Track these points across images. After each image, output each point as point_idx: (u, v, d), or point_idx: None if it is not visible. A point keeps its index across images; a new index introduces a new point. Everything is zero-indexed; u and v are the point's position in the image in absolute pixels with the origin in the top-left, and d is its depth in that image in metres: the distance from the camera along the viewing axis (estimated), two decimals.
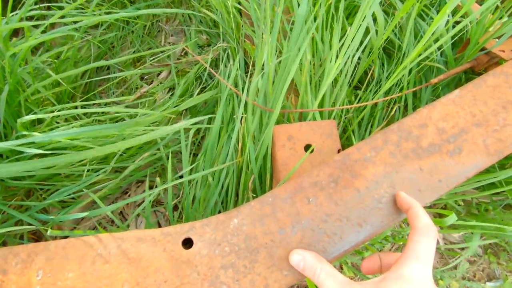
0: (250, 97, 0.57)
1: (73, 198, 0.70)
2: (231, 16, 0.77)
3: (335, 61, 0.51)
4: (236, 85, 0.75)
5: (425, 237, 0.33)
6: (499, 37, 0.59)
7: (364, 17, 0.49)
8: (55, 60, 0.69)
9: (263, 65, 0.57)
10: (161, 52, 1.01)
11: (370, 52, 0.68)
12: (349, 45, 0.51)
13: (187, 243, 0.41)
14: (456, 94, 0.50)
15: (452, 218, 0.43)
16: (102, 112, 0.75)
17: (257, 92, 0.59)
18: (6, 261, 0.38)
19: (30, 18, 0.63)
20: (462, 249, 0.84)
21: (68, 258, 0.39)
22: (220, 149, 0.68)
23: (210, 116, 0.69)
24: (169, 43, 1.03)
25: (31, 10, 0.56)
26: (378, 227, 0.41)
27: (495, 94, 0.50)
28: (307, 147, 0.53)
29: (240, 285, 0.38)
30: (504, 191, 0.76)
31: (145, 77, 0.99)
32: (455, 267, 0.81)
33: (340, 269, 0.80)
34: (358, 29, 0.51)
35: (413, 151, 0.46)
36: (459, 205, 0.82)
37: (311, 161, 0.53)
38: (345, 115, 0.67)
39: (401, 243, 0.79)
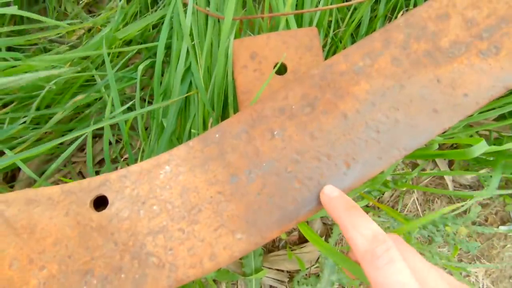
0: (201, 5, 0.41)
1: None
2: None
3: None
4: None
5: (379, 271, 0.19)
6: None
7: None
8: None
9: None
10: None
11: None
12: None
13: (100, 203, 0.29)
14: None
15: (481, 147, 0.30)
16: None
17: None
18: None
19: None
20: (474, 190, 0.73)
21: None
22: (173, 81, 0.53)
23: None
24: None
25: None
26: (374, 166, 0.29)
27: None
28: (277, 68, 0.39)
29: (174, 255, 0.27)
30: None
31: (93, 8, 0.81)
32: (465, 212, 0.71)
33: (333, 221, 0.71)
34: None
35: (427, 54, 0.31)
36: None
37: (287, 83, 0.38)
38: (334, 31, 0.51)
39: (404, 188, 0.68)
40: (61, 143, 0.62)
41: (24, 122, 0.47)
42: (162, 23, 0.63)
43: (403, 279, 0.19)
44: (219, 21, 0.43)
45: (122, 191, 0.29)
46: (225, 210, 0.28)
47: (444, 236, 0.66)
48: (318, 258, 0.68)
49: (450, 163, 0.72)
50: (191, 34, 0.43)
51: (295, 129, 0.29)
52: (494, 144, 0.66)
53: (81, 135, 0.44)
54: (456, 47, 0.31)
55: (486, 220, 0.72)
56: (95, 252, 0.27)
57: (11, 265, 0.27)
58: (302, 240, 0.71)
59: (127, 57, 0.57)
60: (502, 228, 0.70)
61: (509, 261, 0.69)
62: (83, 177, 0.71)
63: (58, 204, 0.28)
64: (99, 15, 0.79)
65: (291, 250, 0.67)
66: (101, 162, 0.72)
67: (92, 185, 0.29)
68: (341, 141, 0.29)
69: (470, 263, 0.69)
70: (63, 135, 0.62)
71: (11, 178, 0.68)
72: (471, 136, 0.68)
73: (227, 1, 0.38)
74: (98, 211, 0.28)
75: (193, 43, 0.44)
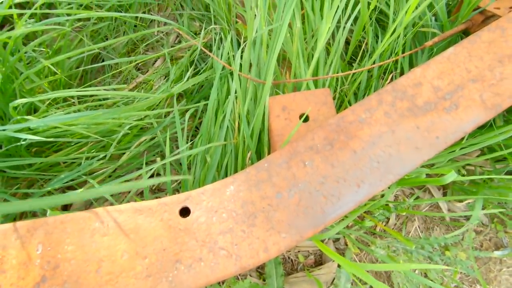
0: (243, 71, 0.57)
1: (73, 186, 0.70)
2: None
3: (326, 25, 0.50)
4: (230, 64, 0.75)
5: None
6: None
7: None
8: (48, 50, 0.70)
9: (255, 38, 0.56)
10: (156, 41, 1.01)
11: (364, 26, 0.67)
12: (337, 8, 0.50)
13: (185, 212, 0.41)
14: (450, 51, 0.49)
15: (451, 176, 0.42)
16: (98, 100, 0.75)
17: (250, 66, 0.59)
18: (5, 236, 0.38)
19: (20, 6, 0.63)
20: (468, 219, 0.83)
21: (67, 231, 0.39)
22: (218, 130, 0.67)
23: (206, 102, 0.69)
24: (162, 32, 1.03)
25: None
26: (377, 186, 0.41)
27: (491, 49, 0.48)
28: (302, 116, 0.53)
29: (238, 249, 0.38)
30: (506, 158, 0.75)
31: (140, 66, 0.99)
32: (461, 238, 0.80)
33: (345, 245, 0.80)
34: None
35: (408, 110, 0.45)
36: (463, 175, 0.81)
37: (307, 130, 0.52)
38: (340, 88, 0.66)
39: (404, 213, 0.78)
40: (109, 176, 0.75)
41: (104, 157, 0.60)
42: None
43: None
44: (258, 86, 0.59)
45: (201, 203, 0.41)
46: (274, 217, 0.40)
47: (445, 260, 0.75)
48: (333, 280, 0.76)
49: (444, 194, 0.83)
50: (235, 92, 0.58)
51: (321, 160, 0.42)
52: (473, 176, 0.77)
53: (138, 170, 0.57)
54: (428, 105, 0.45)
55: (482, 246, 0.80)
56: (182, 247, 0.39)
57: (122, 256, 0.38)
58: (318, 264, 0.79)
59: (177, 107, 0.72)
60: (497, 253, 0.78)
61: (506, 283, 0.76)
62: None
63: (155, 213, 0.40)
64: (146, 71, 0.97)
65: (309, 271, 0.76)
66: (142, 193, 0.84)
67: (180, 199, 0.41)
68: (353, 169, 0.42)
69: (470, 286, 0.76)
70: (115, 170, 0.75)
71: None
72: (458, 170, 0.81)
73: (266, 70, 0.54)
74: (184, 217, 0.40)
75: (236, 97, 0.59)
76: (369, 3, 0.60)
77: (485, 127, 0.67)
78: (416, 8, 0.54)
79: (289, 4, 0.52)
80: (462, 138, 0.66)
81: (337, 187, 0.41)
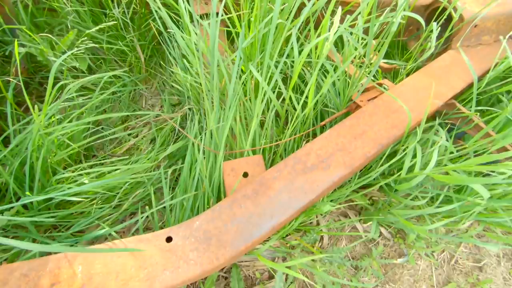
0: (207, 144, 0.88)
1: (81, 231, 0.94)
2: (193, 86, 1.09)
3: (255, 117, 0.83)
4: (200, 133, 1.06)
5: None
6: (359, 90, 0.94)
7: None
8: (69, 131, 0.98)
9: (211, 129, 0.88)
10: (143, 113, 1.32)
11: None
12: (262, 101, 0.83)
13: (169, 239, 0.68)
14: (328, 132, 0.82)
15: (327, 207, 0.73)
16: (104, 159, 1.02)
17: (211, 140, 0.90)
18: (59, 261, 0.63)
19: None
20: (380, 236, 1.13)
21: (96, 256, 0.65)
22: (191, 181, 0.96)
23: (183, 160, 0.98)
24: (149, 104, 1.34)
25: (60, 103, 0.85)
26: (283, 217, 0.70)
27: (351, 130, 0.82)
28: (244, 174, 0.83)
29: (201, 259, 0.65)
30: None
31: (131, 132, 1.28)
32: (372, 251, 1.09)
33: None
34: (263, 99, 0.84)
35: (302, 170, 0.76)
36: (371, 204, 1.13)
37: (247, 182, 0.82)
38: (275, 147, 0.98)
39: (322, 235, 1.07)
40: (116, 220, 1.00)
41: (110, 207, 0.87)
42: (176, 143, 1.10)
43: None
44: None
45: (178, 234, 0.68)
46: (222, 239, 0.68)
47: (363, 267, 1.04)
48: None
49: (360, 219, 1.14)
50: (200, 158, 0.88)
51: (250, 203, 0.72)
52: (377, 204, 1.09)
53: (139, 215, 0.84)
54: (313, 166, 0.77)
55: (389, 255, 1.10)
56: (167, 260, 0.65)
57: (131, 269, 0.64)
58: (271, 277, 1.05)
59: (161, 167, 1.00)
60: (400, 260, 1.08)
61: (408, 282, 1.05)
62: None
63: (151, 241, 0.67)
64: (136, 136, 1.26)
65: (264, 285, 1.01)
66: (136, 231, 1.08)
67: (166, 232, 0.68)
68: (269, 207, 0.71)
69: (383, 286, 1.04)
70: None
71: None
72: (368, 199, 1.12)
73: (219, 144, 0.85)
74: (168, 243, 0.67)
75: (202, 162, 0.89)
76: (282, 104, 0.94)
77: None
78: (318, 95, 0.88)
79: (233, 103, 0.85)
80: (352, 180, 0.99)
81: (259, 219, 0.70)
